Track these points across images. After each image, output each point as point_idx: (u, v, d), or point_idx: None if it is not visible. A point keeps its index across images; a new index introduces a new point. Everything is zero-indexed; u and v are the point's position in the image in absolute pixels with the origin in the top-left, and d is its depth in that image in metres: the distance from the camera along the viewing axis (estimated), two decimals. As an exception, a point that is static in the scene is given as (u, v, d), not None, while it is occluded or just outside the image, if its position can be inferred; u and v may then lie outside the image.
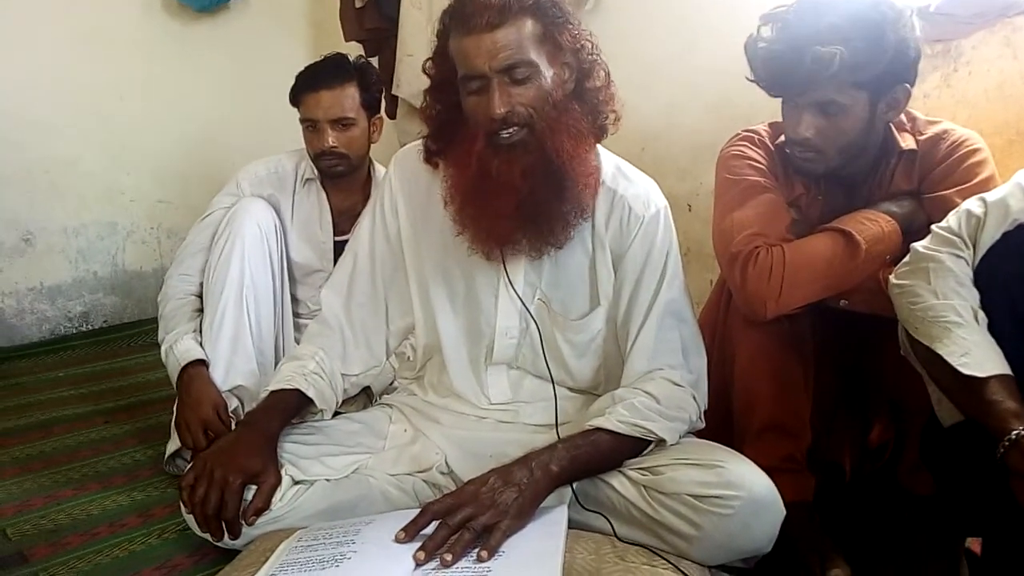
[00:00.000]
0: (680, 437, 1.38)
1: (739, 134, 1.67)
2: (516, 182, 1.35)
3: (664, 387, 1.39)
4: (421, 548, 1.16)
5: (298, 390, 1.48)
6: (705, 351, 1.49)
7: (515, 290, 1.47)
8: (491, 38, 1.30)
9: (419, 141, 1.52)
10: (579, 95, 1.40)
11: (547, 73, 1.35)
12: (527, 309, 1.48)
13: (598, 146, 1.48)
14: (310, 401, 1.49)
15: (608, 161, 1.50)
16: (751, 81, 1.52)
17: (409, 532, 1.20)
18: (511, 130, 1.34)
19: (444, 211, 1.44)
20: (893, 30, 1.40)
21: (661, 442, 1.35)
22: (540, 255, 1.44)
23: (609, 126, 1.45)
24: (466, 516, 1.20)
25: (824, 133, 1.47)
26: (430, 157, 1.49)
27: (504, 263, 1.45)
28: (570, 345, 1.50)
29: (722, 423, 1.56)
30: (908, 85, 1.46)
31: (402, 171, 1.56)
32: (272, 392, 1.49)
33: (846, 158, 1.51)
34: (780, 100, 1.53)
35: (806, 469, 1.52)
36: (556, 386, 1.49)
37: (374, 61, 2.91)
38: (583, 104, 1.41)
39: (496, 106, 1.32)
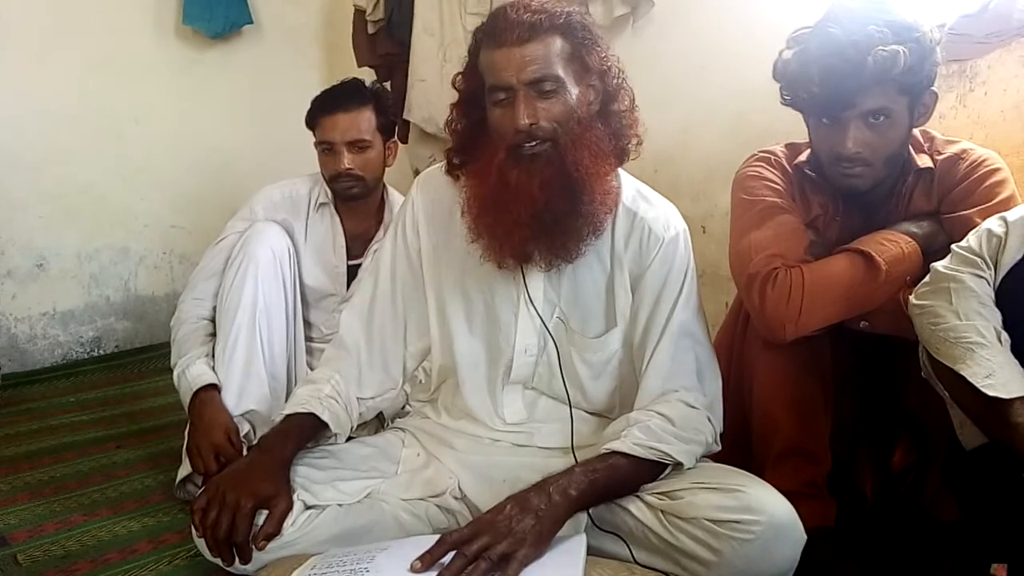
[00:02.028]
0: (697, 460, 1.36)
1: (755, 155, 1.66)
2: (534, 192, 1.36)
3: (679, 409, 1.37)
4: (437, 578, 1.13)
5: (313, 414, 1.47)
6: (720, 374, 1.47)
7: (535, 307, 1.47)
8: (520, 51, 1.33)
9: (443, 163, 1.53)
10: (604, 117, 1.42)
11: (573, 91, 1.36)
12: (546, 327, 1.47)
13: (619, 170, 1.49)
14: (325, 425, 1.48)
15: (629, 184, 1.51)
16: (786, 105, 1.52)
17: (425, 562, 1.18)
18: (534, 143, 1.35)
19: (464, 231, 1.44)
20: (928, 31, 1.41)
21: (678, 465, 1.34)
22: (550, 268, 1.44)
23: (631, 149, 1.45)
24: (483, 545, 1.18)
25: (872, 145, 1.45)
26: (451, 170, 1.50)
27: (524, 280, 1.45)
28: (587, 365, 1.49)
29: (739, 447, 1.54)
30: (935, 90, 1.46)
31: (425, 191, 1.57)
32: (287, 416, 1.48)
33: (889, 169, 1.50)
34: (803, 121, 1.52)
35: (827, 494, 1.50)
36: (572, 408, 1.48)
37: (386, 86, 2.92)
38: (607, 126, 1.42)
39: (521, 116, 1.33)
